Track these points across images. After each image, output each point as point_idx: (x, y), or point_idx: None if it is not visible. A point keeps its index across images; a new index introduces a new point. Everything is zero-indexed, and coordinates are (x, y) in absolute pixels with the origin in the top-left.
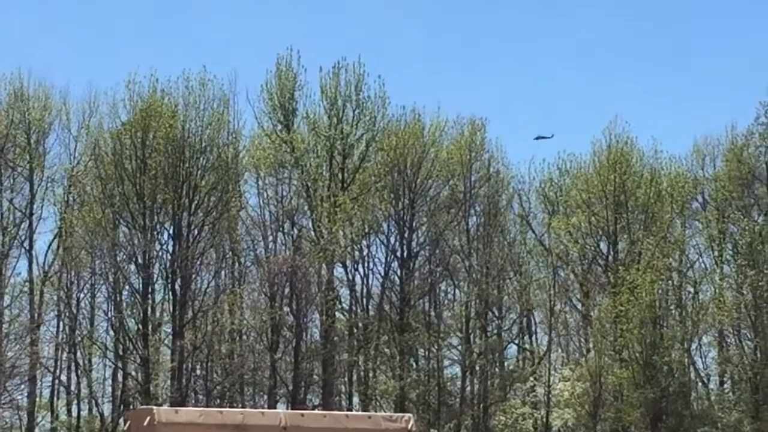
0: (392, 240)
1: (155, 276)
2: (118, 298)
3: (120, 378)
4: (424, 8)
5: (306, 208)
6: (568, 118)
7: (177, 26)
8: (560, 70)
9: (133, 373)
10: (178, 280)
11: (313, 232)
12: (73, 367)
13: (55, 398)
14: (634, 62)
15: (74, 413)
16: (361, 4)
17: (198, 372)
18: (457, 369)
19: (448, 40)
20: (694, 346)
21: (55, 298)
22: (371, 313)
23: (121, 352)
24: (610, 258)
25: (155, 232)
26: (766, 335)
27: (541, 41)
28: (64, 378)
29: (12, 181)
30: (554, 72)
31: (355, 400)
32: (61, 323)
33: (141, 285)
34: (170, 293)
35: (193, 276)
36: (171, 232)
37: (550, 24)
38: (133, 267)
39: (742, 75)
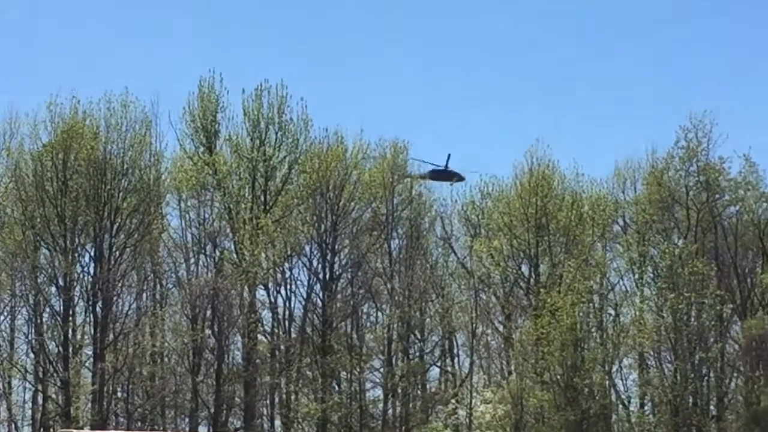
0: (314, 262)
1: (76, 298)
2: (39, 321)
3: (40, 401)
4: (346, 31)
5: (228, 230)
6: (490, 140)
7: (98, 47)
8: (481, 92)
9: (54, 395)
10: (99, 302)
11: (235, 255)
12: None
13: None
14: (556, 85)
15: None
16: (284, 27)
17: (119, 394)
18: (379, 391)
19: (372, 62)
20: (614, 368)
21: None
22: (293, 335)
23: (41, 375)
24: (532, 281)
25: (76, 254)
26: (686, 358)
27: (463, 63)
28: None
29: None
30: (475, 94)
31: (277, 422)
32: None
33: (62, 307)
34: (91, 315)
35: (115, 298)
36: (92, 254)
37: (470, 47)
38: (53, 289)
39: (663, 99)
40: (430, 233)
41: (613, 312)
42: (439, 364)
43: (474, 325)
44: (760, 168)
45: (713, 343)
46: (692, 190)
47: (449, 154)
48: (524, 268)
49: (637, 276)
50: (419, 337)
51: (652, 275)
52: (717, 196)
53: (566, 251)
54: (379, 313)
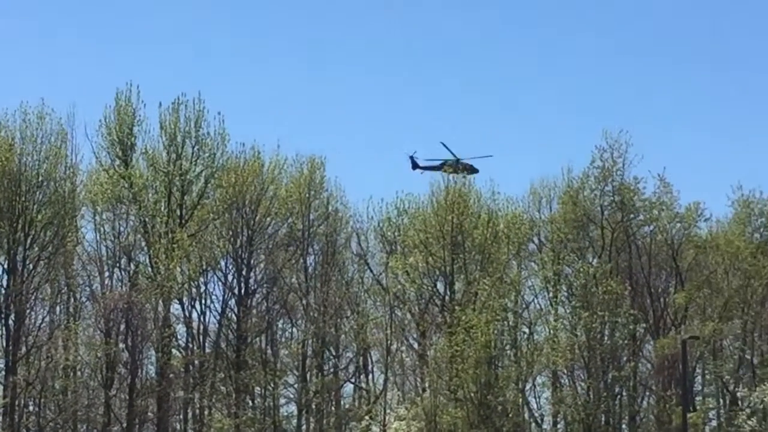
0: (230, 277)
1: None
2: None
3: None
4: (264, 47)
5: (143, 244)
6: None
7: (15, 58)
8: (396, 110)
9: None
10: (12, 315)
11: (150, 268)
12: None
13: None
14: (472, 103)
15: None
16: (202, 41)
17: (31, 408)
18: (293, 407)
19: (289, 79)
20: (528, 386)
21: None
22: (208, 350)
23: None
24: (447, 298)
25: None
26: (599, 376)
27: (379, 80)
28: None
29: None
30: (389, 112)
31: None
32: None
33: None
34: (3, 328)
35: (28, 311)
36: (5, 266)
37: (391, 65)
38: None
39: (579, 119)
40: (346, 249)
41: (527, 330)
42: (353, 380)
43: (389, 342)
44: (674, 188)
45: (626, 362)
46: (607, 210)
47: (491, 155)
48: (439, 286)
49: (551, 294)
50: (334, 353)
51: (566, 294)
52: (631, 215)
53: (481, 269)
54: (294, 329)
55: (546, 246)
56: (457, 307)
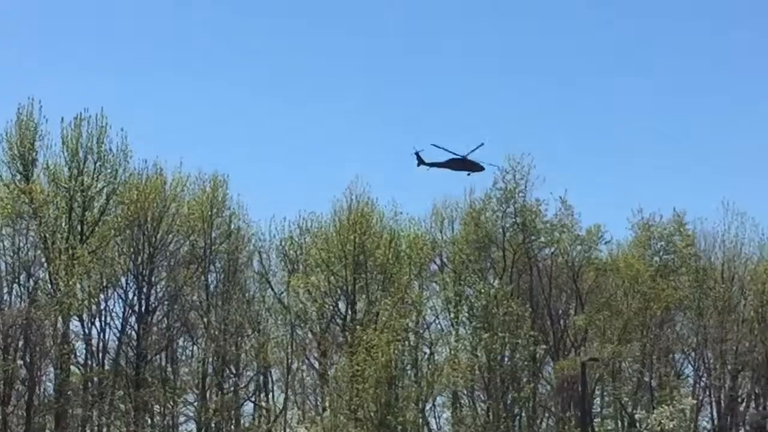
0: (130, 294)
1: None
2: None
3: None
4: (170, 63)
5: (43, 259)
6: (309, 176)
7: None
8: (300, 127)
9: None
10: None
11: (49, 285)
12: None
13: None
14: (373, 122)
15: None
16: (105, 56)
17: None
18: (193, 426)
19: (192, 95)
20: (428, 406)
21: None
22: (107, 367)
23: None
24: (348, 317)
25: None
26: (499, 397)
27: (284, 98)
28: None
29: None
30: (295, 128)
31: None
32: None
33: None
34: None
35: None
36: None
37: (293, 83)
38: None
39: (481, 139)
40: (248, 268)
41: (428, 350)
42: (253, 399)
43: (289, 361)
44: (575, 211)
45: (526, 383)
46: (509, 232)
47: (482, 143)
48: (341, 305)
49: (452, 315)
50: (234, 371)
51: (467, 315)
52: (533, 237)
53: (383, 289)
54: (195, 347)
55: (448, 267)
56: (358, 327)
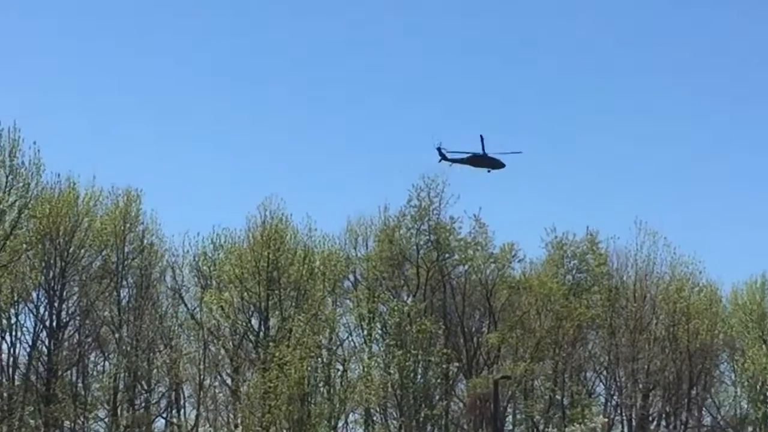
0: (42, 309)
1: None
2: None
3: None
4: (82, 76)
5: None
6: (226, 192)
7: None
8: (214, 142)
9: None
10: None
11: None
12: None
13: None
14: (289, 139)
15: None
16: (17, 67)
17: None
18: None
19: (105, 110)
20: (341, 423)
21: None
22: (17, 382)
23: None
24: (262, 334)
25: None
26: (412, 415)
27: (196, 115)
28: None
29: None
30: (207, 143)
31: None
32: None
33: None
34: None
35: None
36: None
37: (205, 101)
38: None
39: (395, 157)
40: (161, 283)
41: (341, 367)
42: (165, 415)
43: (201, 377)
44: (489, 229)
45: (438, 401)
46: (423, 249)
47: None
48: (254, 321)
49: (365, 332)
50: (146, 387)
51: (380, 332)
52: (447, 255)
53: (296, 305)
54: (106, 362)
55: (361, 283)
56: (271, 343)
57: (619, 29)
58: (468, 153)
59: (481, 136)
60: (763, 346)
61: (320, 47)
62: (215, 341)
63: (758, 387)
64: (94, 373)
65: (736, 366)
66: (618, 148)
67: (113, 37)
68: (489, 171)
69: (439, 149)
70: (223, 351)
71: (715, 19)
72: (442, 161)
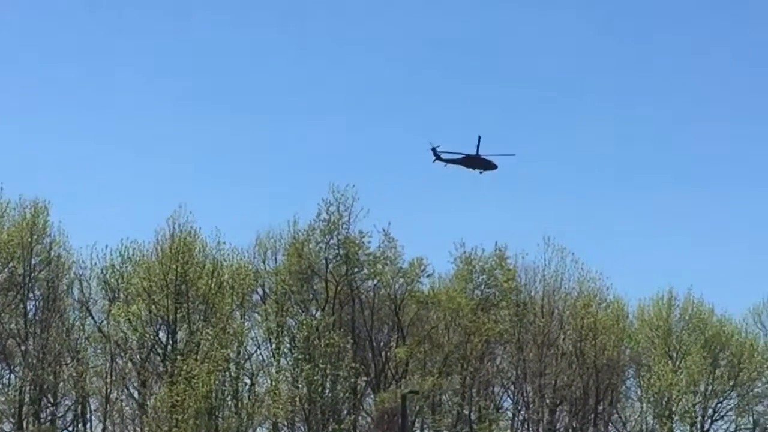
0: None
1: None
2: None
3: None
4: None
5: None
6: (135, 204)
7: None
8: (126, 156)
9: None
10: None
11: None
12: None
13: None
14: (199, 153)
15: None
16: None
17: None
18: None
19: (14, 121)
20: None
21: None
22: None
23: None
24: (169, 347)
25: None
26: (320, 429)
27: (106, 127)
28: None
29: None
30: (121, 160)
31: None
32: None
33: None
34: None
35: None
36: None
37: (113, 110)
38: None
39: (307, 171)
40: (68, 296)
41: (249, 381)
42: (71, 428)
43: (108, 390)
44: (398, 243)
45: (346, 415)
46: (332, 263)
47: (479, 137)
48: (162, 334)
49: (274, 346)
50: (52, 400)
51: (289, 346)
52: (356, 269)
53: (205, 319)
54: (12, 375)
55: (270, 297)
56: (178, 357)
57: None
58: (462, 153)
59: (479, 137)
60: (669, 362)
61: (234, 59)
62: (122, 354)
63: (664, 402)
64: (0, 385)
65: (642, 381)
66: (526, 163)
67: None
68: (481, 172)
69: (433, 149)
70: (130, 364)
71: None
72: (437, 161)
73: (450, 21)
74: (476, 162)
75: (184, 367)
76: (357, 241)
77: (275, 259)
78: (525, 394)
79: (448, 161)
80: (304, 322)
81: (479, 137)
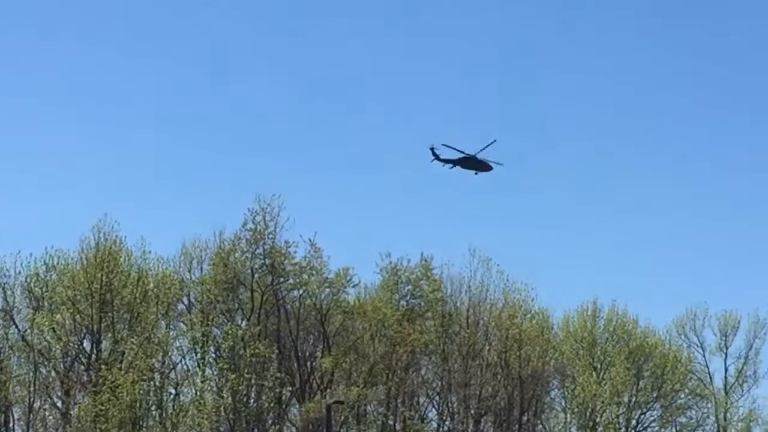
0: None
1: None
2: None
3: None
4: None
5: None
6: (60, 212)
7: None
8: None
9: None
10: None
11: None
12: None
13: None
14: (128, 161)
15: None
16: None
17: None
18: None
19: None
20: None
21: None
22: None
23: None
24: (94, 356)
25: None
26: None
27: (30, 133)
28: None
29: None
30: (44, 167)
31: None
32: None
33: None
34: None
35: None
36: None
37: (40, 117)
38: None
39: (232, 181)
40: None
41: (173, 391)
42: None
43: (32, 400)
44: (324, 253)
45: (271, 425)
46: (258, 273)
47: (494, 140)
48: (86, 344)
49: (199, 356)
50: None
51: (214, 355)
52: (282, 279)
53: (130, 328)
54: None
55: (195, 307)
56: (103, 366)
57: None
58: (460, 154)
59: (493, 141)
60: (593, 373)
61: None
62: (46, 363)
63: (588, 413)
64: None
65: (566, 392)
66: (452, 175)
67: None
68: (476, 173)
69: (432, 149)
70: (54, 373)
71: None
72: (434, 161)
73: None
74: (472, 164)
75: (109, 377)
76: (283, 251)
77: (201, 268)
78: (450, 405)
79: (446, 161)
80: (230, 331)
81: (493, 141)
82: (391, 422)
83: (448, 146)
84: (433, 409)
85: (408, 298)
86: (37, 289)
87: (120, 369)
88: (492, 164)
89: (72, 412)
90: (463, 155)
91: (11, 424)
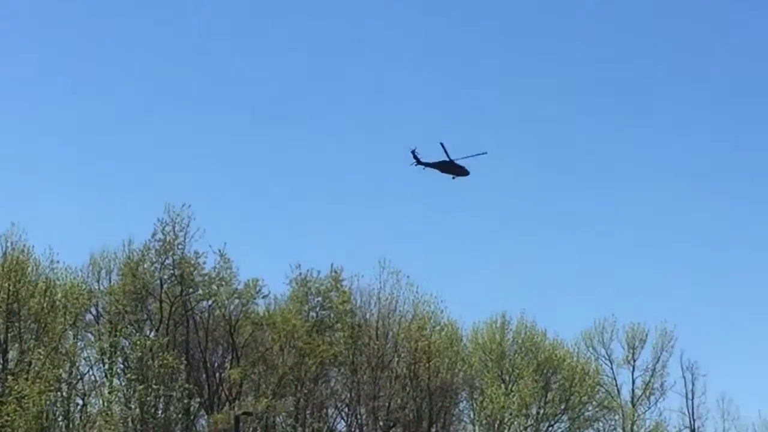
0: None
1: None
2: None
3: None
4: None
5: None
6: None
7: None
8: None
9: None
10: None
11: None
12: None
13: None
14: (35, 169)
15: None
16: None
17: None
18: None
19: None
20: None
21: None
22: None
23: None
24: (0, 367)
25: None
26: None
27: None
28: None
29: None
30: None
31: None
32: None
33: None
34: None
35: None
36: None
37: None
38: None
39: (140, 191)
40: None
41: (81, 401)
42: None
43: None
44: (234, 264)
45: None
46: (166, 283)
47: (485, 152)
48: None
49: (107, 366)
50: None
51: (122, 366)
52: (191, 290)
53: (37, 338)
54: None
55: (104, 317)
56: (9, 377)
57: None
58: (441, 158)
59: (441, 144)
60: (502, 385)
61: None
62: None
63: (496, 425)
64: None
65: (475, 404)
66: (364, 189)
67: None
68: (453, 178)
69: (413, 152)
70: None
71: None
72: (416, 164)
73: None
74: (451, 168)
75: (15, 387)
76: (192, 262)
77: (109, 278)
78: (359, 417)
79: (426, 165)
80: (138, 342)
81: (441, 144)
82: None
83: (417, 157)
84: (342, 421)
85: (317, 309)
86: None
87: (27, 379)
88: (468, 168)
89: None
90: (441, 160)
91: None
